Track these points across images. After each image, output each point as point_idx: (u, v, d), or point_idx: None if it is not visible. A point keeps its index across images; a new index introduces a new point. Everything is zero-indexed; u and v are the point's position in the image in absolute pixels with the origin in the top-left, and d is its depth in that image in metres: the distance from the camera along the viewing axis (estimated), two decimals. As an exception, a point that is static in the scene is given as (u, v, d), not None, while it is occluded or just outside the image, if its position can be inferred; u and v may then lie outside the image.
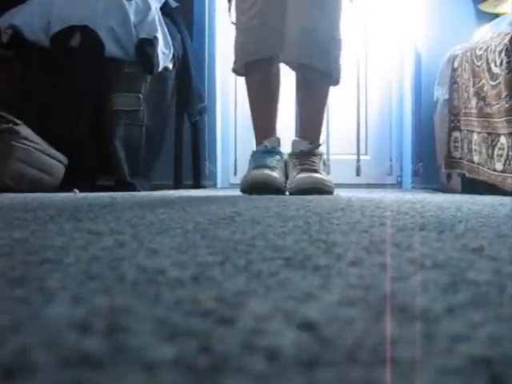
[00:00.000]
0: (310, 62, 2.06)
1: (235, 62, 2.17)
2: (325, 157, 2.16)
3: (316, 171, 2.00)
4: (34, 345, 0.29)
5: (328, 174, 3.22)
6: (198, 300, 0.39)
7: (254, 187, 1.94)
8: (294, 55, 2.08)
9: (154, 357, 0.28)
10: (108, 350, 0.29)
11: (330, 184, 2.00)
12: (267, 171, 1.99)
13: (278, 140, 2.14)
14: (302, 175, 1.97)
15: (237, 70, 2.19)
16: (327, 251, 0.61)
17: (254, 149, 2.15)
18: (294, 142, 2.10)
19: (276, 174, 2.00)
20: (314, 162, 2.03)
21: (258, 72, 2.14)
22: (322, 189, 1.92)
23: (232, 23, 2.19)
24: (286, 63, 2.14)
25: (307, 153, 2.05)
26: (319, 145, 2.11)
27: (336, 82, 2.12)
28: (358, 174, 3.36)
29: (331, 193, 1.98)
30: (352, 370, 0.27)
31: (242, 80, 2.25)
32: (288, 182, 2.02)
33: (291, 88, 3.20)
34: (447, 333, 0.32)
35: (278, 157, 2.08)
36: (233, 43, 2.18)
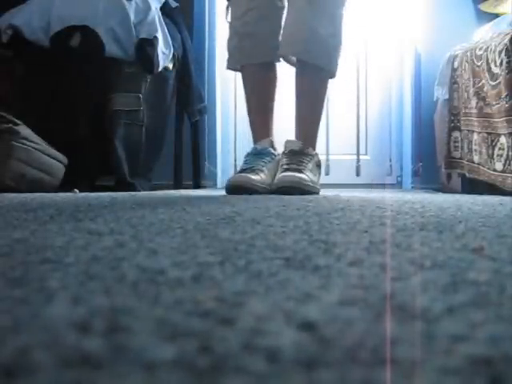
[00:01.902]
0: (307, 58, 2.07)
1: (229, 61, 2.21)
2: (318, 158, 2.14)
3: (300, 171, 1.98)
4: (34, 345, 0.29)
5: (327, 174, 3.23)
6: (197, 300, 0.39)
7: (234, 190, 1.95)
8: (292, 52, 2.09)
9: (154, 357, 0.28)
10: (108, 350, 0.29)
11: (313, 184, 1.99)
12: (250, 175, 1.99)
13: (271, 141, 2.15)
14: (284, 174, 1.96)
15: (231, 68, 2.24)
16: (327, 251, 0.61)
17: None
18: (286, 142, 2.10)
19: (258, 177, 2.00)
20: (301, 161, 2.02)
21: (252, 73, 2.17)
22: (301, 188, 1.91)
23: (228, 22, 2.21)
24: (286, 61, 2.15)
25: (297, 152, 2.04)
26: (313, 145, 2.11)
27: (333, 76, 2.12)
28: (357, 174, 3.36)
29: (314, 193, 1.97)
30: (352, 370, 0.27)
31: (241, 80, 2.26)
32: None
33: (291, 89, 3.19)
34: (447, 333, 0.32)
35: (267, 158, 2.09)
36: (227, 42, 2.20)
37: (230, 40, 2.19)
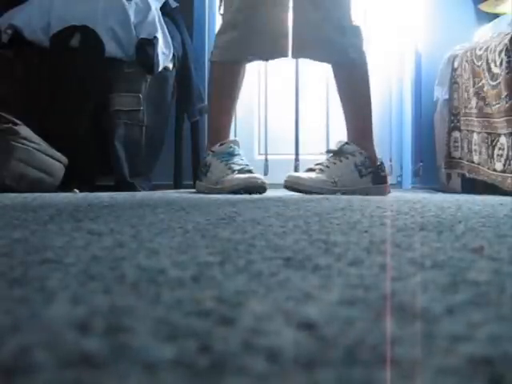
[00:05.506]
0: (321, 58, 2.09)
1: (216, 55, 2.17)
2: (362, 157, 2.11)
3: (321, 170, 2.02)
4: (34, 345, 0.29)
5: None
6: (198, 300, 0.39)
7: (248, 190, 1.98)
8: (302, 53, 2.10)
9: (154, 357, 0.28)
10: (108, 349, 0.29)
11: (311, 184, 2.00)
12: (255, 175, 2.05)
13: (237, 142, 2.16)
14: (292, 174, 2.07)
15: (216, 62, 2.19)
16: (327, 251, 0.61)
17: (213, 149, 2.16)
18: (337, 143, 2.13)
19: (261, 176, 2.06)
20: (331, 161, 2.05)
21: (230, 71, 2.15)
22: (293, 187, 1.97)
23: (220, 14, 2.19)
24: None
25: (335, 152, 2.08)
26: (363, 145, 2.11)
27: (361, 67, 2.14)
28: (358, 174, 3.35)
29: (314, 193, 1.97)
30: (352, 370, 0.27)
31: (214, 77, 2.23)
32: None
33: (289, 89, 3.18)
34: (447, 333, 0.32)
35: (244, 159, 2.13)
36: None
37: (223, 32, 2.15)
